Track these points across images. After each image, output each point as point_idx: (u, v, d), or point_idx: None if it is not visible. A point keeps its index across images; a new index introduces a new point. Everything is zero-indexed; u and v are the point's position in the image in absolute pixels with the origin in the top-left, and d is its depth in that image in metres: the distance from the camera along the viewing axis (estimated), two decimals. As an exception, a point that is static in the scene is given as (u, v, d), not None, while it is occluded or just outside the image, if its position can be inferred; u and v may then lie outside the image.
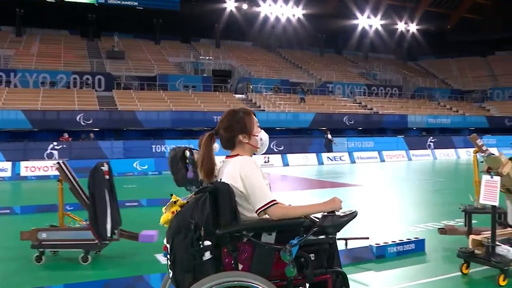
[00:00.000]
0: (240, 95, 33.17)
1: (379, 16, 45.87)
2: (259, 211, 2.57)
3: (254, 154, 2.87)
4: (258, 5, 42.01)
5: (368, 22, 46.02)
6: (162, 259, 5.43)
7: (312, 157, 24.58)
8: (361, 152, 26.82)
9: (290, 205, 2.75)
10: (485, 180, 4.69)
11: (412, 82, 43.46)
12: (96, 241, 5.65)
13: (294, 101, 32.86)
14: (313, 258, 2.65)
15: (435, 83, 44.73)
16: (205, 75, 35.36)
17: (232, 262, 2.54)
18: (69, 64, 31.88)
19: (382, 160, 25.93)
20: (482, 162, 5.12)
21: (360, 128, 32.67)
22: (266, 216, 2.60)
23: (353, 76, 41.60)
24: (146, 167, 20.84)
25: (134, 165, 20.81)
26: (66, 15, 35.95)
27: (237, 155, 2.76)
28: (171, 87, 31.72)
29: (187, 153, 6.46)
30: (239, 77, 36.34)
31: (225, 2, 40.92)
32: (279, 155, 23.91)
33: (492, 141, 34.62)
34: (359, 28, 46.12)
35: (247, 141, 2.80)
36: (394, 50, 50.26)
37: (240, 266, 2.55)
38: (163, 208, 2.72)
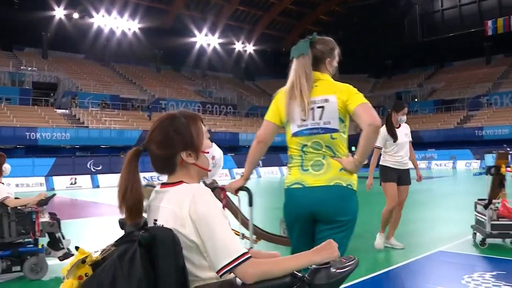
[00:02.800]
0: (63, 110, 30.85)
1: (217, 35, 46.42)
2: (224, 270, 1.61)
3: (203, 180, 1.90)
4: (91, 16, 39.90)
5: (206, 40, 46.31)
6: None
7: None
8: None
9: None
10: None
11: (248, 101, 44.45)
12: None
13: (122, 117, 31.41)
14: None
15: (269, 102, 46.08)
16: (26, 87, 32.36)
17: None
18: None
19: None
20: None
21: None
22: (231, 276, 1.67)
23: (188, 94, 41.29)
24: None
25: None
26: None
27: (181, 182, 1.77)
28: (-21, 99, 28.38)
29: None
30: (64, 90, 33.89)
31: (53, 9, 38.12)
32: (89, 176, 22.31)
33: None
34: (197, 46, 46.20)
35: (193, 162, 1.79)
36: (232, 69, 51.17)
37: None
38: (64, 270, 1.57)
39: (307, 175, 2.79)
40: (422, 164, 34.95)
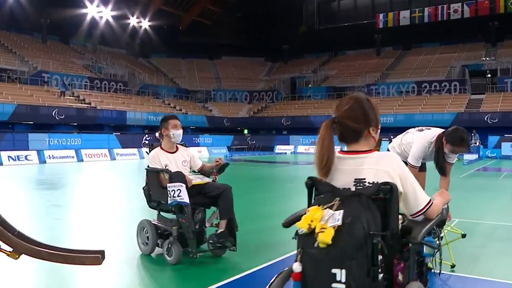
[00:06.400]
0: None
1: (109, 7, 43.94)
2: (421, 211, 2.23)
3: None
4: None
5: (98, 12, 43.71)
6: None
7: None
8: (56, 150, 24.33)
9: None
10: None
11: (140, 78, 42.70)
12: None
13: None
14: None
15: (163, 81, 44.78)
16: None
17: (399, 273, 2.14)
18: None
19: (80, 160, 24.13)
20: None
21: (75, 124, 30.22)
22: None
23: (76, 68, 38.75)
24: None
25: None
26: None
27: (372, 150, 2.23)
28: None
29: None
30: None
31: None
32: None
33: (208, 140, 35.97)
34: (88, 18, 43.51)
35: (375, 135, 2.25)
36: (126, 44, 49.05)
37: (400, 276, 2.16)
38: (304, 223, 1.95)
39: None
40: (311, 149, 35.61)
